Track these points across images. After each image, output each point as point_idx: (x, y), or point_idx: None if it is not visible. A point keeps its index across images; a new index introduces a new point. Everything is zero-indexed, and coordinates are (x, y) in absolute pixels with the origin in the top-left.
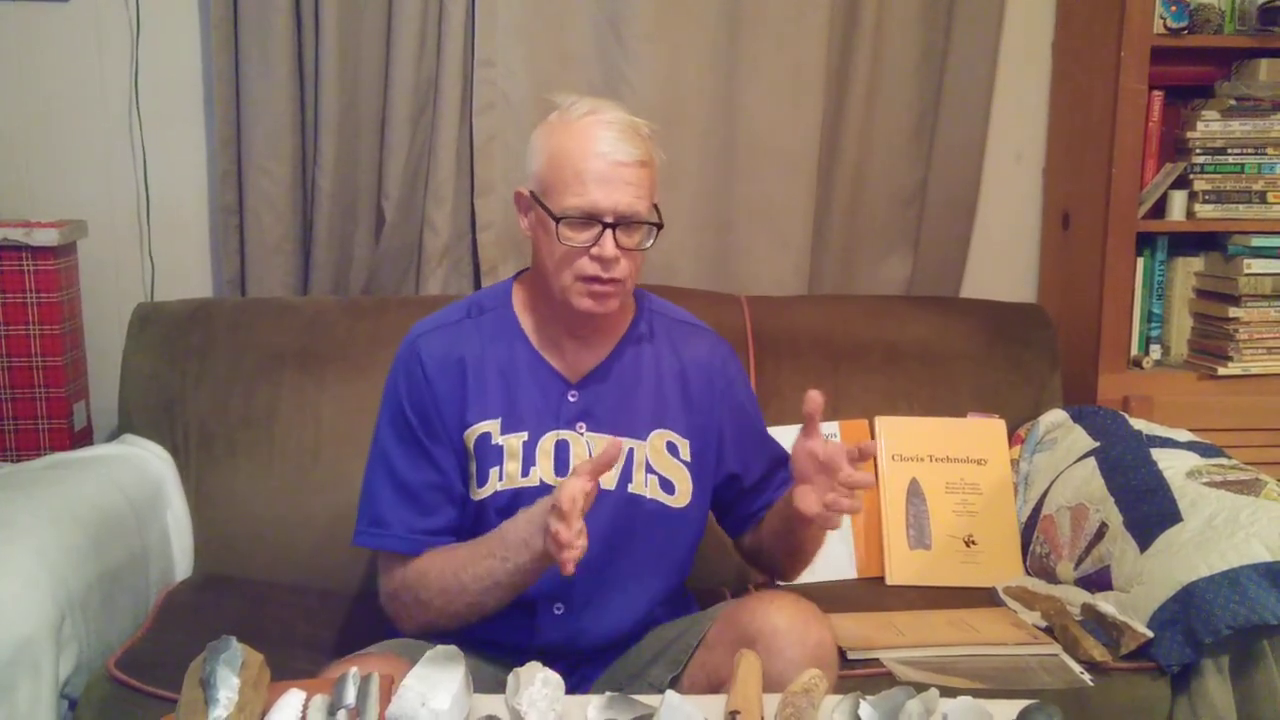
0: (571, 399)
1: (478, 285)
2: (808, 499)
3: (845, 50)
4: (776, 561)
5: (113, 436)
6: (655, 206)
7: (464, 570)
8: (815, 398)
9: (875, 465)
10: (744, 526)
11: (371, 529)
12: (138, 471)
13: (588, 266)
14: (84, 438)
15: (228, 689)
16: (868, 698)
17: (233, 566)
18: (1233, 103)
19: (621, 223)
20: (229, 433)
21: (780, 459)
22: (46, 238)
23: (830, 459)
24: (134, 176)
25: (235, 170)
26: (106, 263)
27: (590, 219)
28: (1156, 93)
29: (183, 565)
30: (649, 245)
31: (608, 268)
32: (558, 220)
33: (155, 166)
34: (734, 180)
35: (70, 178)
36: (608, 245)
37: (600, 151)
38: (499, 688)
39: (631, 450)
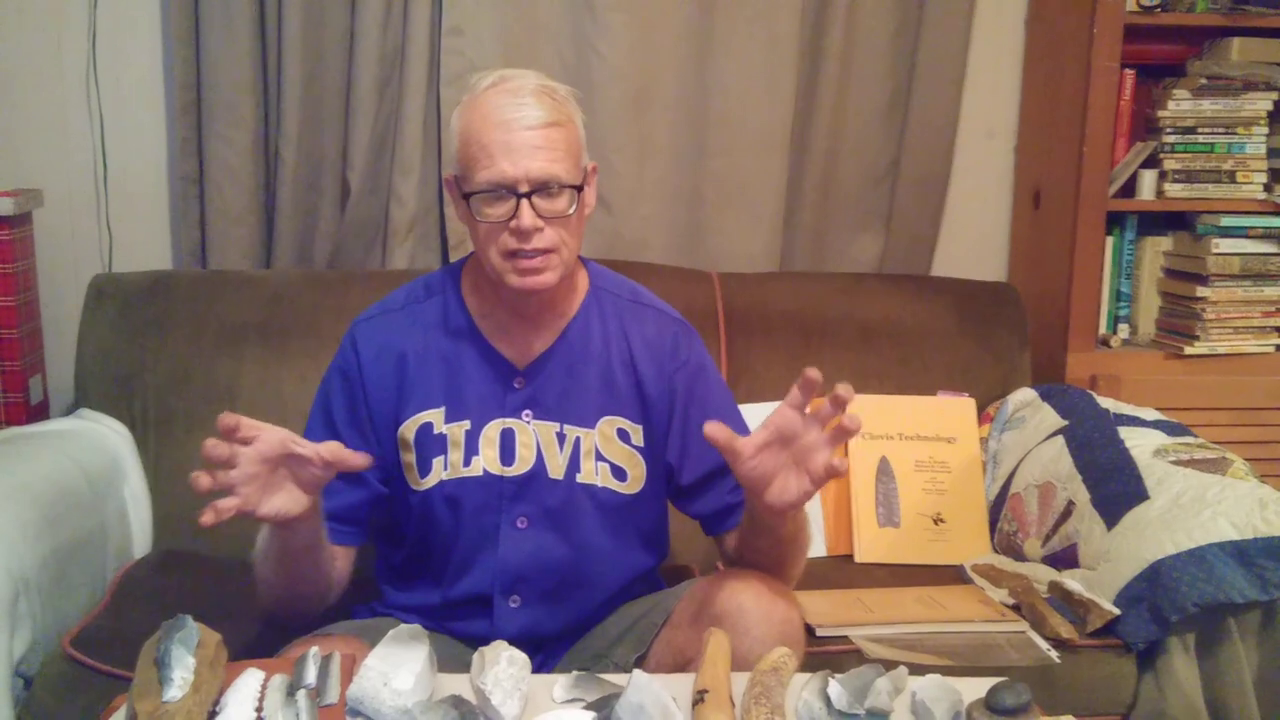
0: (517, 385)
1: (446, 259)
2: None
3: (819, 25)
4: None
5: (69, 411)
6: (588, 169)
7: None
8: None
9: (845, 443)
10: (709, 528)
11: None
12: (95, 446)
13: (509, 241)
14: (40, 412)
15: (183, 669)
16: (837, 676)
17: (192, 544)
18: (1204, 82)
19: (537, 190)
20: (189, 408)
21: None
22: (0, 207)
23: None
24: (91, 144)
25: (195, 138)
26: (63, 233)
27: (503, 190)
28: (1129, 71)
29: (141, 542)
30: (573, 210)
31: (527, 238)
32: (468, 197)
33: (113, 134)
34: (706, 155)
35: (25, 145)
36: (524, 215)
37: (503, 120)
38: (464, 668)
39: (579, 439)
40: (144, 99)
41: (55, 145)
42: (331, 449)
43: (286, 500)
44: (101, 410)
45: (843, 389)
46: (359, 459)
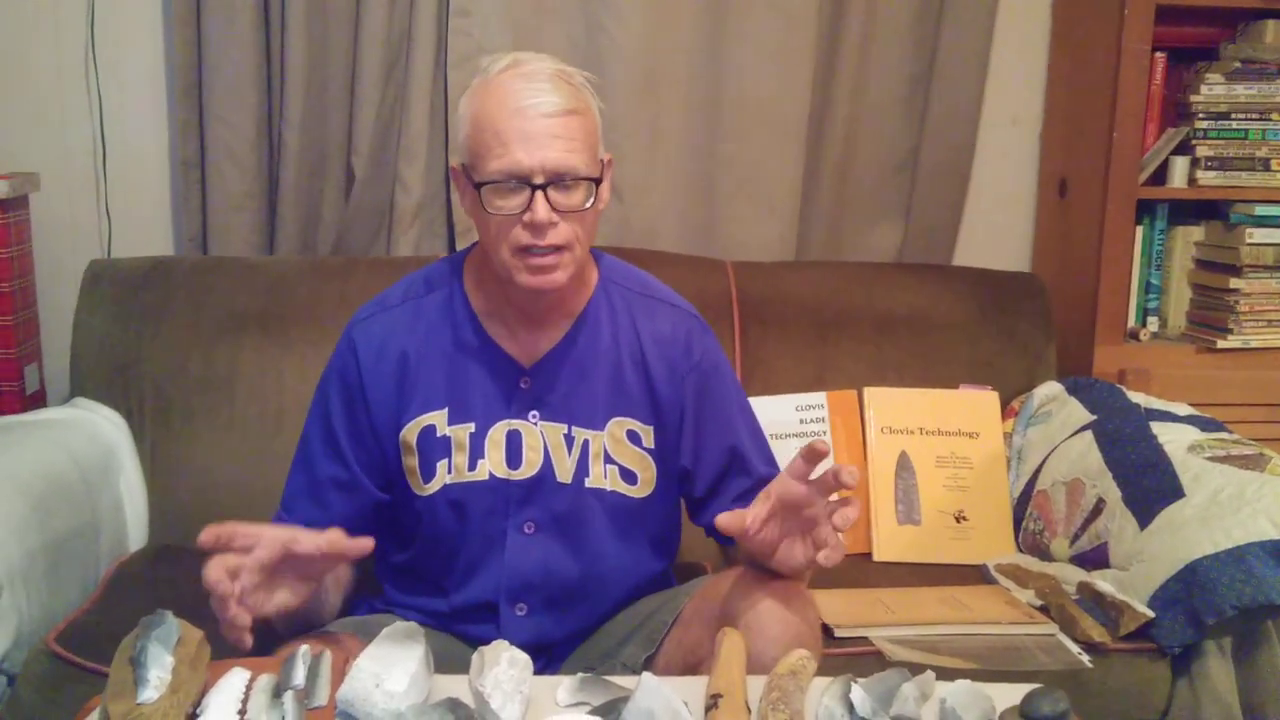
0: (524, 386)
1: (452, 246)
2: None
3: (838, 6)
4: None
5: (66, 401)
6: (604, 161)
7: None
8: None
9: (863, 437)
10: (717, 538)
11: (281, 510)
12: (88, 436)
13: (521, 236)
14: (36, 401)
15: (159, 668)
16: (860, 680)
17: (189, 537)
18: (1238, 65)
19: (554, 181)
20: (186, 397)
21: (739, 457)
22: None
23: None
24: (90, 126)
25: (197, 121)
26: (60, 218)
27: (516, 181)
28: (1160, 54)
29: (136, 535)
30: (590, 204)
31: (541, 234)
32: (479, 187)
33: (112, 116)
34: (720, 141)
35: (22, 127)
36: (539, 208)
37: (520, 106)
38: (465, 668)
39: (587, 442)
40: (144, 81)
41: (52, 127)
42: (332, 540)
43: (288, 595)
44: (97, 399)
45: (848, 476)
46: (359, 545)
